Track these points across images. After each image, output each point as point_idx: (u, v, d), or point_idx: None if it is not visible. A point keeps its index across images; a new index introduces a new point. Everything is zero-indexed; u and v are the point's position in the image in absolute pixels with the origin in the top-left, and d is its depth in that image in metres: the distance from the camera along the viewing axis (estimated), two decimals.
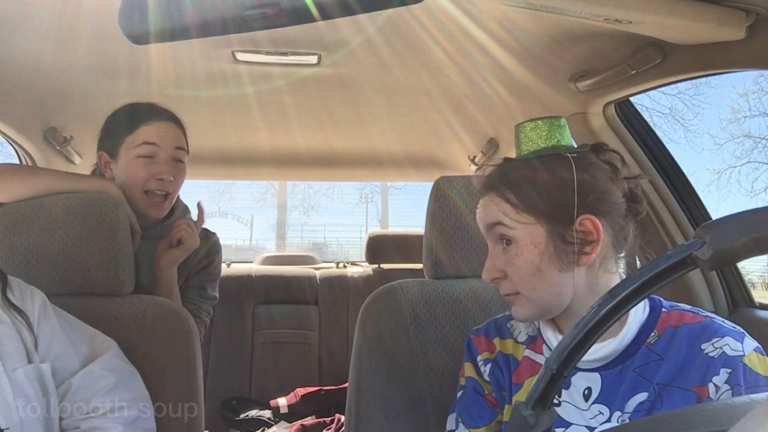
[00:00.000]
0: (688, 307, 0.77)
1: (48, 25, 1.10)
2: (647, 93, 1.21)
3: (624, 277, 0.77)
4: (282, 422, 1.87)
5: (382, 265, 2.30)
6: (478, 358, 0.87)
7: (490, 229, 0.79)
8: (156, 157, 1.24)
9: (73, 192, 1.09)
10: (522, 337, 0.86)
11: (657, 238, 1.29)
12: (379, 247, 2.26)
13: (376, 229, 5.14)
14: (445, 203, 1.05)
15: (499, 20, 1.05)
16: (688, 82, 2.21)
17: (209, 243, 1.39)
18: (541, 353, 0.83)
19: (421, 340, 1.02)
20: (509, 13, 1.02)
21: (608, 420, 0.74)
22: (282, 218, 12.36)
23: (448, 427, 0.89)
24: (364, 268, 2.33)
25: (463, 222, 1.05)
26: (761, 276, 8.09)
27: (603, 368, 0.76)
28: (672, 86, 1.37)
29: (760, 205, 0.57)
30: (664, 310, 0.76)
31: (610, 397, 0.75)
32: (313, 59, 1.30)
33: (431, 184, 1.08)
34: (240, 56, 1.30)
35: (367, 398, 1.00)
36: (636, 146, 1.31)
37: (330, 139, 2.01)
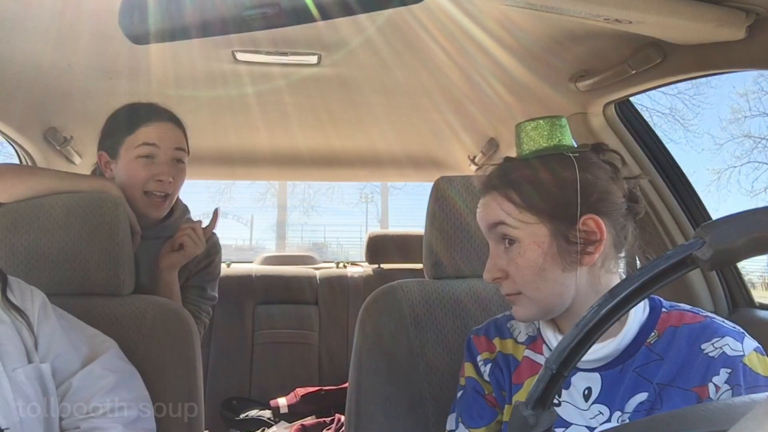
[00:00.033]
0: (688, 307, 0.77)
1: (48, 25, 1.10)
2: (647, 93, 1.21)
3: (624, 277, 0.77)
4: (282, 422, 1.87)
5: (382, 265, 2.30)
6: (478, 358, 0.87)
7: (492, 229, 0.79)
8: (156, 157, 1.24)
9: (73, 192, 1.09)
10: (522, 337, 0.86)
11: (657, 238, 1.29)
12: (379, 247, 2.26)
13: (376, 229, 5.14)
14: (445, 203, 1.05)
15: (499, 20, 1.05)
16: (688, 82, 2.21)
17: (209, 243, 1.39)
18: (541, 353, 0.83)
19: (421, 340, 1.02)
20: (509, 13, 1.02)
21: (608, 420, 0.74)
22: (282, 218, 12.36)
23: (448, 427, 0.89)
24: (364, 268, 2.33)
25: (463, 222, 1.05)
26: (761, 276, 8.10)
27: (603, 368, 0.76)
28: (672, 86, 1.37)
29: (760, 205, 0.57)
30: (664, 310, 0.77)
31: (610, 397, 0.75)
32: (313, 59, 1.30)
33: (431, 184, 1.08)
34: (240, 56, 1.30)
35: (367, 398, 1.00)
36: (636, 146, 1.31)
37: (330, 139, 2.01)
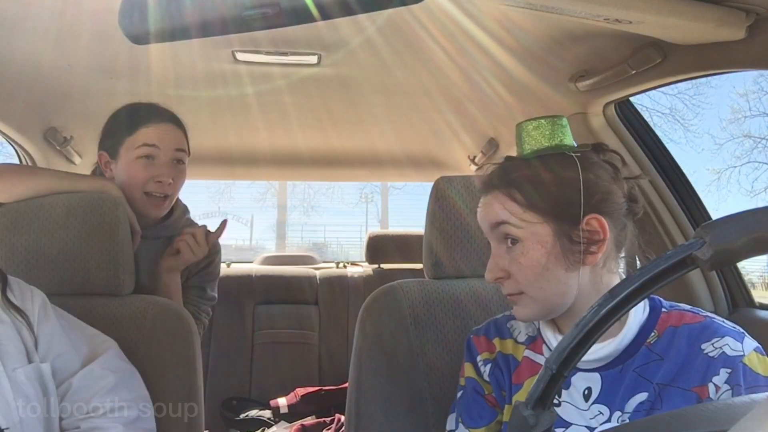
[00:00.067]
0: (688, 307, 0.77)
1: (48, 25, 1.10)
2: (647, 93, 1.21)
3: (624, 277, 0.77)
4: (282, 422, 1.87)
5: (382, 265, 2.30)
6: (478, 358, 0.87)
7: (495, 229, 0.78)
8: (156, 158, 1.23)
9: (73, 192, 1.09)
10: (522, 338, 0.86)
11: (657, 238, 1.29)
12: (379, 247, 2.26)
13: (376, 229, 5.14)
14: (445, 203, 1.05)
15: (499, 20, 1.05)
16: (688, 82, 2.21)
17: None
18: (541, 353, 0.83)
19: (421, 340, 1.02)
20: (509, 13, 1.02)
21: (608, 420, 0.74)
22: (282, 218, 12.36)
23: (448, 427, 0.88)
24: (364, 268, 2.33)
25: (463, 222, 1.05)
26: (761, 276, 8.10)
27: (603, 368, 0.76)
28: (672, 86, 1.37)
29: (760, 205, 0.57)
30: (664, 310, 0.77)
31: (610, 397, 0.75)
32: (313, 59, 1.30)
33: (431, 184, 1.08)
34: (240, 56, 1.30)
35: (367, 398, 1.00)
36: (636, 146, 1.31)
37: (330, 139, 2.01)
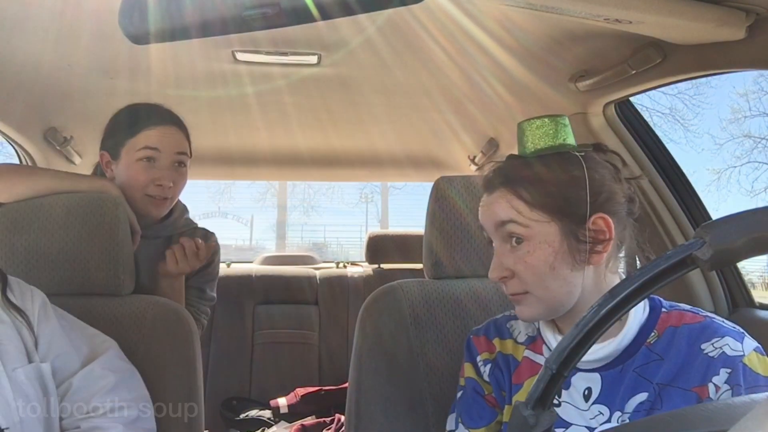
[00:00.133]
0: (688, 307, 0.77)
1: (48, 25, 1.10)
2: (647, 93, 1.21)
3: (624, 277, 0.77)
4: (282, 422, 1.87)
5: (382, 265, 2.30)
6: (478, 358, 0.87)
7: (500, 227, 0.77)
8: (157, 161, 1.23)
9: (73, 192, 1.09)
10: (522, 338, 0.86)
11: (657, 238, 1.29)
12: (379, 247, 2.26)
13: (376, 229, 5.14)
14: (445, 203, 1.05)
15: (499, 20, 1.05)
16: (688, 82, 2.21)
17: (208, 243, 1.38)
18: (541, 353, 0.83)
19: (421, 340, 1.02)
20: (509, 13, 1.02)
21: (608, 420, 0.74)
22: (282, 218, 12.36)
23: (448, 428, 0.88)
24: (364, 268, 2.33)
25: (463, 222, 1.05)
26: (761, 276, 8.10)
27: (603, 368, 0.76)
28: (672, 86, 1.37)
29: (760, 205, 0.57)
30: (664, 310, 0.77)
31: (610, 398, 0.75)
32: (313, 59, 1.30)
33: (431, 184, 1.08)
34: (240, 56, 1.30)
35: (367, 398, 1.00)
36: (636, 146, 1.31)
37: (330, 139, 2.01)
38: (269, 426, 1.86)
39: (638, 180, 0.82)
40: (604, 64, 1.15)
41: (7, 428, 0.74)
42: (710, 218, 1.27)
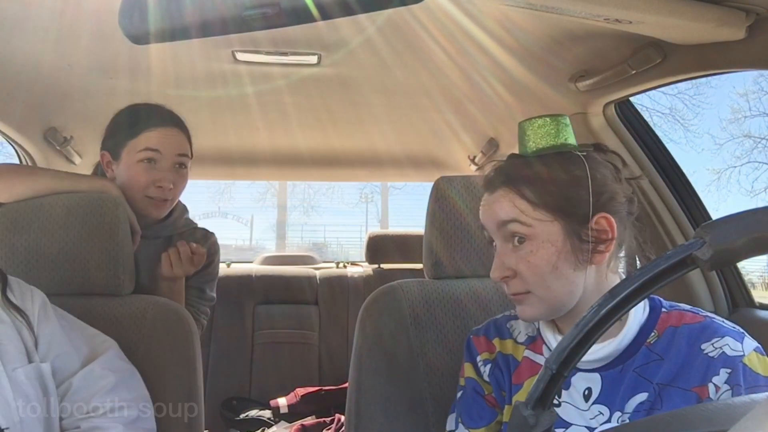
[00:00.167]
0: (688, 307, 0.77)
1: (48, 25, 1.10)
2: (647, 93, 1.21)
3: (624, 277, 0.77)
4: (282, 422, 1.87)
5: (382, 265, 2.30)
6: (478, 358, 0.87)
7: (502, 227, 0.77)
8: (158, 162, 1.23)
9: (73, 192, 1.09)
10: (522, 338, 0.86)
11: (657, 238, 1.29)
12: (379, 247, 2.26)
13: (376, 229, 5.14)
14: (445, 203, 1.05)
15: (499, 20, 1.05)
16: (688, 82, 2.21)
17: (208, 243, 1.38)
18: (541, 353, 0.83)
19: (421, 340, 1.02)
20: (509, 13, 1.02)
21: (608, 420, 0.74)
22: (282, 218, 12.36)
23: (448, 428, 0.88)
24: (364, 268, 2.33)
25: (463, 222, 1.05)
26: (761, 276, 8.10)
27: (603, 368, 0.76)
28: (672, 86, 1.37)
29: (760, 205, 0.57)
30: (664, 310, 0.77)
31: (610, 398, 0.75)
32: (313, 59, 1.30)
33: (431, 184, 1.08)
34: (240, 56, 1.30)
35: (367, 398, 1.00)
36: (636, 146, 1.31)
37: (330, 139, 2.01)
38: (269, 426, 1.86)
39: (638, 180, 0.82)
40: (604, 64, 1.15)
41: (7, 428, 0.74)
42: (710, 218, 1.27)
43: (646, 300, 0.77)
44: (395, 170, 2.31)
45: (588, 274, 0.75)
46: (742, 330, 0.72)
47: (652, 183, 1.29)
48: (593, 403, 0.75)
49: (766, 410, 0.30)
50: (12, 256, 1.02)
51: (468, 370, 0.88)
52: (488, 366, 0.86)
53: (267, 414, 1.90)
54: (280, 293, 2.16)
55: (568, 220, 0.74)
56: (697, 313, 0.75)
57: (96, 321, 0.98)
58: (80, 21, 1.09)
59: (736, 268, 1.30)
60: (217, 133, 1.92)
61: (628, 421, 0.72)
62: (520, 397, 0.81)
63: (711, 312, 0.77)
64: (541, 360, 0.82)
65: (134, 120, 1.25)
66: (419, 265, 1.65)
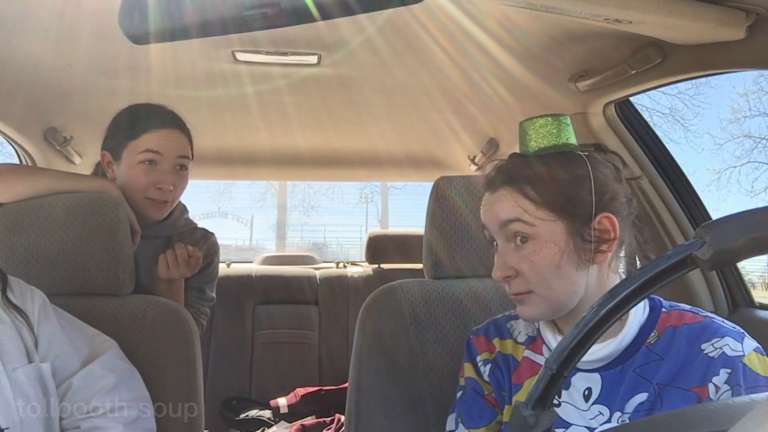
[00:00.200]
0: (688, 307, 0.77)
1: (48, 25, 1.10)
2: (647, 93, 1.21)
3: (624, 277, 0.77)
4: (282, 422, 1.87)
5: (382, 265, 2.30)
6: (478, 358, 0.87)
7: (505, 226, 0.76)
8: (158, 164, 1.22)
9: (73, 192, 1.09)
10: (522, 338, 0.86)
11: (657, 238, 1.29)
12: (379, 247, 2.26)
13: (376, 229, 5.14)
14: (445, 203, 1.05)
15: (499, 20, 1.05)
16: (688, 82, 2.21)
17: (208, 243, 1.38)
18: (541, 354, 0.83)
19: (421, 340, 1.02)
20: (509, 13, 1.02)
21: (608, 420, 0.74)
22: (282, 218, 12.36)
23: (447, 428, 0.88)
24: (364, 268, 2.33)
25: (463, 222, 1.05)
26: (761, 276, 8.10)
27: (603, 368, 0.76)
28: (672, 86, 1.37)
29: (760, 205, 0.57)
30: (663, 310, 0.76)
31: (610, 398, 0.75)
32: (313, 59, 1.30)
33: (431, 184, 1.08)
34: (240, 56, 1.30)
35: (367, 398, 1.00)
36: (636, 146, 1.31)
37: (330, 139, 2.01)
38: (269, 426, 1.86)
39: (638, 180, 0.82)
40: (604, 64, 1.15)
41: (7, 428, 0.74)
42: (710, 218, 1.27)
43: (646, 300, 0.77)
44: (395, 170, 2.31)
45: (590, 274, 0.75)
46: (742, 330, 0.72)
47: (652, 183, 1.29)
48: (593, 403, 0.75)
49: (766, 410, 0.30)
50: (12, 256, 1.02)
51: (468, 370, 0.88)
52: (488, 366, 0.86)
53: (267, 414, 1.90)
54: (280, 293, 2.16)
55: (571, 219, 0.74)
56: (697, 313, 0.75)
57: (96, 321, 0.98)
58: (80, 21, 1.09)
59: (736, 268, 1.30)
60: (217, 133, 1.92)
61: (628, 421, 0.72)
62: (520, 397, 0.81)
63: (711, 312, 0.77)
64: (541, 360, 0.82)
65: (135, 121, 1.24)
66: (419, 265, 1.65)
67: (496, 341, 0.87)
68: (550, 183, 0.75)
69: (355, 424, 0.99)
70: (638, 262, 0.81)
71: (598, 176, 0.75)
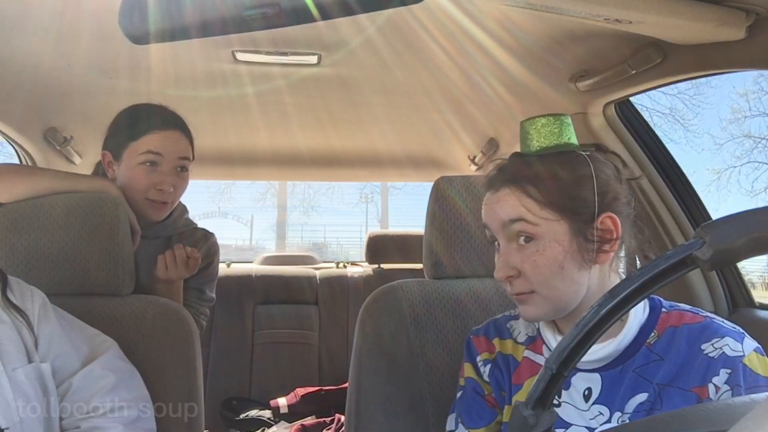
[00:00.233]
0: (687, 307, 0.77)
1: (48, 25, 1.10)
2: (647, 93, 1.21)
3: (624, 277, 0.77)
4: (282, 422, 1.87)
5: (382, 265, 2.30)
6: (478, 358, 0.87)
7: (508, 226, 0.76)
8: (159, 165, 1.22)
9: (73, 192, 1.09)
10: (521, 338, 0.85)
11: (657, 238, 1.29)
12: (379, 247, 2.26)
13: (376, 229, 5.14)
14: (445, 203, 1.05)
15: (499, 20, 1.05)
16: (688, 82, 2.21)
17: (208, 244, 1.38)
18: (541, 354, 0.83)
19: (421, 340, 1.02)
20: (509, 13, 1.02)
21: (608, 420, 0.74)
22: (282, 218, 12.35)
23: (447, 428, 0.88)
24: (364, 268, 2.33)
25: (463, 222, 1.05)
26: (761, 276, 8.10)
27: (603, 369, 0.76)
28: (672, 86, 1.37)
29: (760, 205, 0.57)
30: (663, 310, 0.76)
31: (610, 398, 0.75)
32: (313, 59, 1.30)
33: (431, 184, 1.08)
34: (240, 56, 1.30)
35: (367, 398, 1.00)
36: (636, 146, 1.31)
37: (330, 139, 2.01)
38: (269, 426, 1.86)
39: (638, 180, 0.82)
40: (604, 64, 1.15)
41: (7, 428, 0.74)
42: (710, 218, 1.27)
43: (646, 300, 0.77)
44: (395, 170, 2.31)
45: (591, 274, 0.75)
46: (742, 330, 0.72)
47: (652, 183, 1.29)
48: (593, 404, 0.75)
49: (766, 410, 0.30)
50: (12, 256, 1.02)
51: (468, 370, 0.88)
52: (488, 366, 0.86)
53: (267, 414, 1.90)
54: (280, 293, 2.16)
55: (574, 219, 0.74)
56: (697, 314, 0.75)
57: (96, 321, 0.98)
58: (80, 21, 1.09)
59: (736, 268, 1.30)
60: (217, 133, 1.92)
61: (628, 421, 0.72)
62: (520, 397, 0.81)
63: (711, 312, 0.77)
64: (541, 360, 0.82)
65: (137, 121, 1.24)
66: (419, 265, 1.65)
67: (496, 341, 0.87)
68: (554, 183, 0.74)
69: (355, 424, 0.99)
70: (638, 262, 0.81)
71: (600, 176, 0.75)
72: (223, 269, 2.01)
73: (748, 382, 0.67)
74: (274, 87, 1.49)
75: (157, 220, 1.28)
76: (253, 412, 1.91)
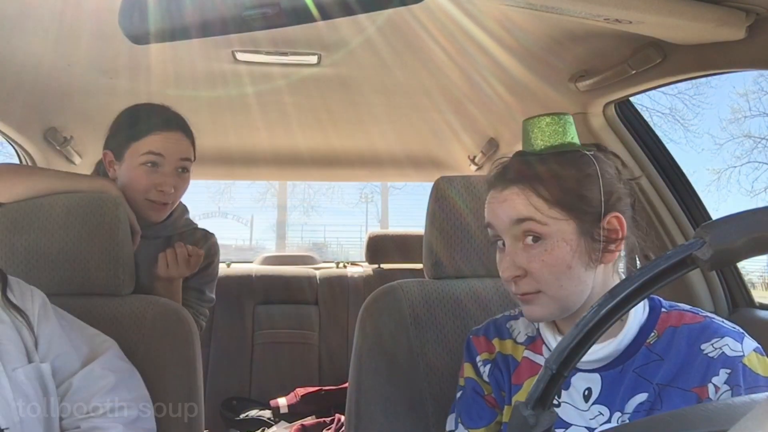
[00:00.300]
0: (687, 307, 0.77)
1: (48, 25, 1.10)
2: (647, 93, 1.21)
3: (624, 276, 0.77)
4: (282, 422, 1.87)
5: (382, 265, 2.30)
6: (478, 358, 0.87)
7: (515, 225, 0.75)
8: (160, 166, 1.22)
9: (73, 192, 1.09)
10: (521, 338, 0.85)
11: (657, 238, 1.29)
12: (379, 247, 2.26)
13: (376, 229, 5.15)
14: (445, 203, 1.05)
15: (499, 20, 1.05)
16: (688, 82, 2.21)
17: (208, 244, 1.38)
18: (541, 354, 0.83)
19: (421, 340, 1.02)
20: (509, 13, 1.02)
21: (608, 421, 0.74)
22: (282, 218, 12.36)
23: (447, 428, 0.88)
24: (364, 268, 2.33)
25: (463, 222, 1.05)
26: (761, 276, 8.10)
27: (603, 369, 0.76)
28: (672, 86, 1.37)
29: (760, 205, 0.57)
30: (663, 310, 0.76)
31: (610, 398, 0.75)
32: (313, 59, 1.30)
33: (431, 184, 1.08)
34: (240, 56, 1.30)
35: (367, 398, 1.00)
36: (636, 146, 1.31)
37: (330, 139, 2.01)
38: (269, 426, 1.86)
39: (638, 180, 0.82)
40: (604, 64, 1.15)
41: (7, 428, 0.74)
42: (710, 218, 1.27)
43: (646, 300, 0.77)
44: (395, 170, 2.31)
45: (596, 274, 0.75)
46: (741, 330, 0.72)
47: (652, 183, 1.29)
48: (593, 404, 0.75)
49: (766, 410, 0.30)
50: (12, 256, 1.02)
51: (467, 370, 0.88)
52: (488, 366, 0.86)
53: (267, 414, 1.90)
54: (280, 293, 2.16)
55: (582, 219, 0.73)
56: (697, 314, 0.75)
57: (96, 321, 0.98)
58: (80, 21, 1.09)
59: (736, 268, 1.30)
60: (217, 133, 1.92)
61: (627, 421, 0.72)
62: (520, 397, 0.81)
63: (711, 312, 0.77)
64: (540, 360, 0.82)
65: (138, 122, 1.24)
66: (419, 265, 1.65)
67: (495, 341, 0.87)
68: (562, 182, 0.74)
69: (355, 424, 0.99)
70: (638, 262, 0.81)
71: (605, 176, 0.75)
72: (223, 269, 2.02)
73: (748, 382, 0.67)
74: (274, 87, 1.49)
75: (157, 220, 1.28)
76: (253, 412, 1.91)
